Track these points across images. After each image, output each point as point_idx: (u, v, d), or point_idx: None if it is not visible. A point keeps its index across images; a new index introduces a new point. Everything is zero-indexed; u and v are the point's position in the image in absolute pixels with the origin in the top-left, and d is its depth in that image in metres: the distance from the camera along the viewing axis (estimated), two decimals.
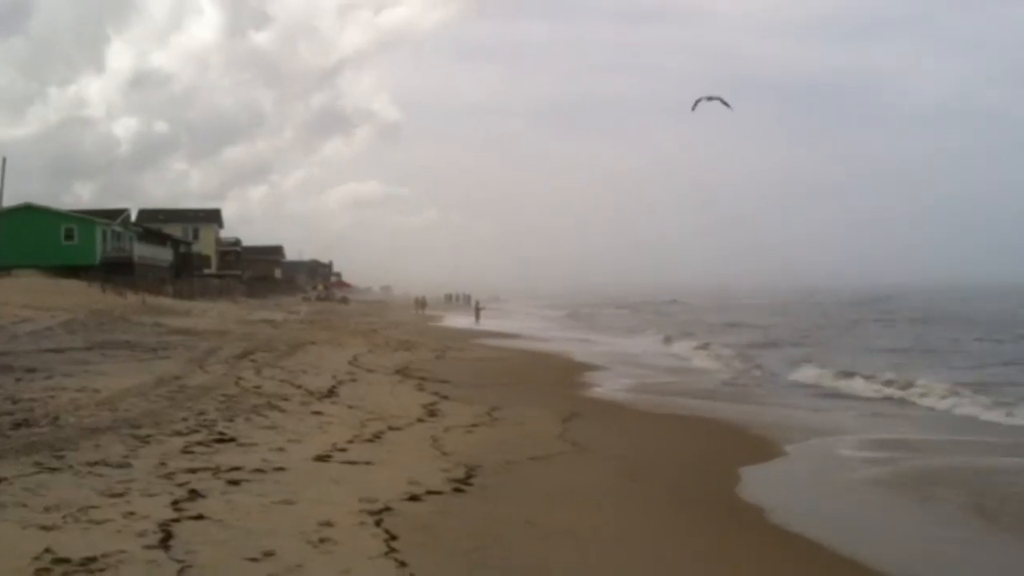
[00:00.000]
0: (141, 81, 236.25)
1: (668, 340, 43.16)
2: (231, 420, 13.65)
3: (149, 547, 7.30)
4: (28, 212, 64.47)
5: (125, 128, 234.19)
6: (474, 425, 15.48)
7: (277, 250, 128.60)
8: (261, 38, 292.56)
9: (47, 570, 6.68)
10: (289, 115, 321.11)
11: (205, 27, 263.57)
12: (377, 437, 13.48)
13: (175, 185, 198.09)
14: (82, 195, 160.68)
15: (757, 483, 12.14)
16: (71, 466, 9.86)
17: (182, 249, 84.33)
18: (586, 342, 43.20)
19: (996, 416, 18.43)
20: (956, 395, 21.01)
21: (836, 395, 22.67)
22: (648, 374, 27.64)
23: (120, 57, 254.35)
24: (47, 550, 6.99)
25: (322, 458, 11.52)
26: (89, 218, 66.96)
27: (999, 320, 62.31)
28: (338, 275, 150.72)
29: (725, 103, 23.97)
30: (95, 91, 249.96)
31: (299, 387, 18.47)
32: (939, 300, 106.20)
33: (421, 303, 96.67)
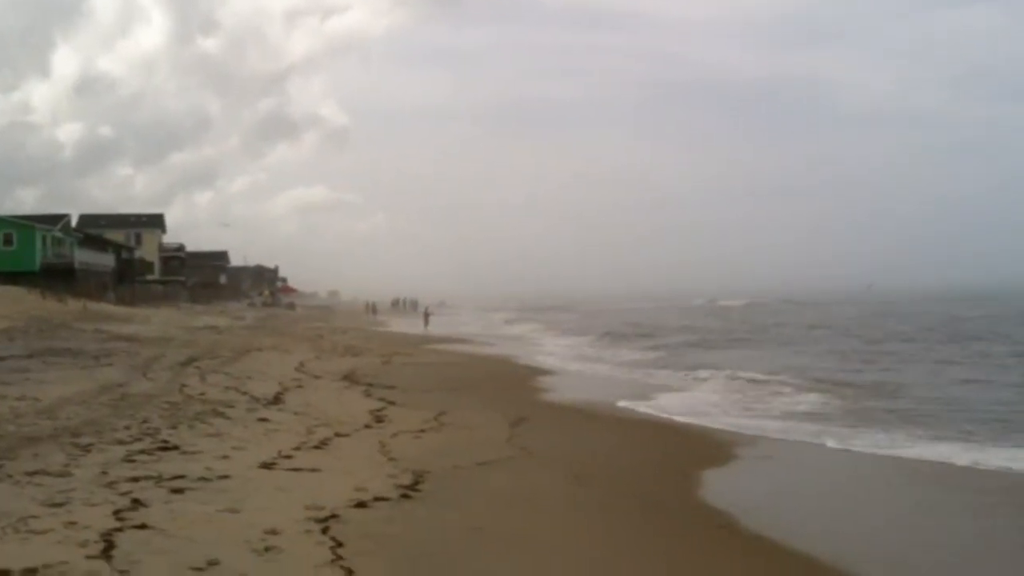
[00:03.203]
0: (87, 86, 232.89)
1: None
2: (175, 428, 13.49)
3: (91, 557, 7.19)
4: None
5: (69, 133, 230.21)
6: (422, 431, 15.45)
7: (222, 255, 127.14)
8: (209, 44, 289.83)
9: None
10: (236, 120, 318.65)
11: (153, 33, 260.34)
12: (324, 444, 13.40)
13: (120, 190, 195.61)
14: (25, 200, 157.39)
15: (714, 485, 12.28)
16: (10, 476, 9.68)
17: (124, 255, 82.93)
18: (529, 344, 43.51)
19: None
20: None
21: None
22: (593, 377, 27.82)
23: (67, 62, 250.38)
24: None
25: (268, 465, 11.44)
26: (28, 223, 65.65)
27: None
28: (284, 280, 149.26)
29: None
30: (40, 96, 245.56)
31: (244, 394, 18.30)
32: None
33: (372, 308, 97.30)
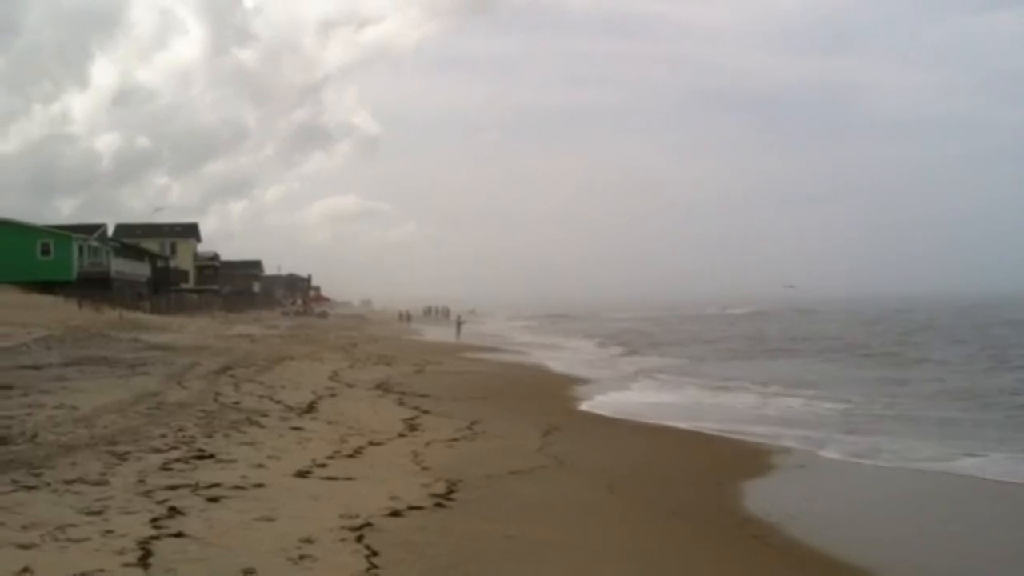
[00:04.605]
0: (125, 97, 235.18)
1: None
2: (210, 436, 13.58)
3: (128, 565, 7.25)
4: (3, 227, 63.77)
5: (107, 144, 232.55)
6: (455, 439, 15.47)
7: (256, 264, 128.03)
8: (244, 55, 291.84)
9: None
10: (271, 130, 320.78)
11: (189, 45, 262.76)
12: (358, 452, 13.46)
13: (156, 200, 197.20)
14: (62, 210, 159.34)
15: (748, 494, 12.22)
16: (49, 484, 9.79)
17: (159, 264, 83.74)
18: (560, 350, 43.58)
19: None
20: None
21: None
22: (618, 381, 27.73)
23: (104, 74, 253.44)
24: (25, 569, 6.93)
25: (302, 474, 11.49)
26: (65, 233, 66.33)
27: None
28: (317, 289, 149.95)
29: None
30: (79, 107, 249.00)
31: (278, 402, 18.39)
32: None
33: (406, 317, 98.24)
